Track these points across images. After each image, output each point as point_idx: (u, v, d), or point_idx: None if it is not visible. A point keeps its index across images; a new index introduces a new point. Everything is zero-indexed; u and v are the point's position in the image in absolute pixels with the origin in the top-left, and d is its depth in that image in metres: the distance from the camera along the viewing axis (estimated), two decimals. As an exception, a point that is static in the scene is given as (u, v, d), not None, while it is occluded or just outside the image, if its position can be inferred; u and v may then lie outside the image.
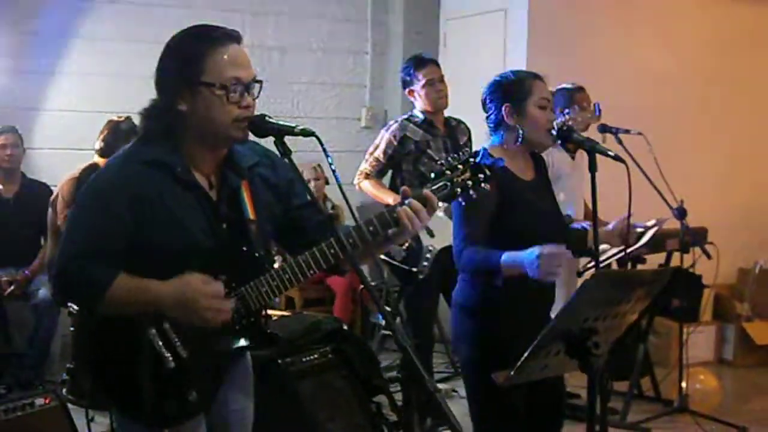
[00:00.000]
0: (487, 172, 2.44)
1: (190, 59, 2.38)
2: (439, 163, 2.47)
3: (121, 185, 2.39)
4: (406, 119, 5.16)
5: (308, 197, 2.61)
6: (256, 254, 2.49)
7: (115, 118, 5.47)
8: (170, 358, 2.40)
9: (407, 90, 5.14)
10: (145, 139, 2.48)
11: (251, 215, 2.51)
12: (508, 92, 3.24)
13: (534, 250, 2.95)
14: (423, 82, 5.07)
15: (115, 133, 5.36)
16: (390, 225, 2.40)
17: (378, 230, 2.40)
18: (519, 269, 3.01)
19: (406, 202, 2.40)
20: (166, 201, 2.39)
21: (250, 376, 2.72)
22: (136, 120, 2.54)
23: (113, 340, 2.43)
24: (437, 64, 5.18)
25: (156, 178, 2.40)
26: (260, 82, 2.45)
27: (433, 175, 2.44)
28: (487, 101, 3.31)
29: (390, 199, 4.85)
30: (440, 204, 2.48)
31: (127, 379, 2.43)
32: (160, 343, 2.39)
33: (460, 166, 2.44)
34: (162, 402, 2.43)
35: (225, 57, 2.38)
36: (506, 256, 3.05)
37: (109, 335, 2.43)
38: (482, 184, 2.44)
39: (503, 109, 3.24)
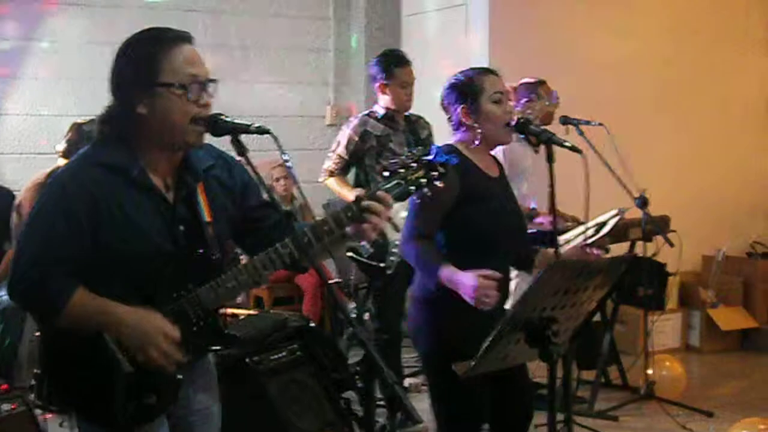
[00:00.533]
0: (441, 170, 2.46)
1: (146, 61, 2.39)
2: (391, 162, 2.48)
3: (77, 189, 2.38)
4: (366, 115, 5.17)
5: (264, 197, 2.62)
6: (213, 256, 2.50)
7: (80, 121, 5.45)
8: (127, 362, 2.40)
9: (378, 84, 5.12)
10: (101, 143, 2.47)
11: (207, 217, 2.51)
12: (462, 93, 3.28)
13: (472, 280, 2.99)
14: (400, 81, 5.07)
15: (79, 134, 5.35)
16: (344, 224, 2.43)
17: (333, 229, 2.42)
18: (455, 288, 3.07)
19: (363, 204, 2.41)
20: (122, 204, 2.39)
21: (213, 375, 2.73)
22: (85, 119, 2.54)
23: (71, 344, 2.43)
24: (411, 66, 5.17)
25: (112, 182, 2.40)
26: (215, 80, 2.46)
27: (387, 173, 2.46)
28: (445, 104, 3.36)
29: (353, 196, 4.85)
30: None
31: (85, 384, 2.43)
32: (118, 347, 2.40)
33: (413, 164, 2.45)
34: (121, 406, 2.43)
35: (180, 57, 2.40)
36: (446, 273, 3.10)
37: (67, 339, 2.43)
38: (436, 182, 2.46)
39: (459, 110, 3.28)
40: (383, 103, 5.14)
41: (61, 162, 5.42)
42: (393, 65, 5.07)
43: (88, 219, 2.36)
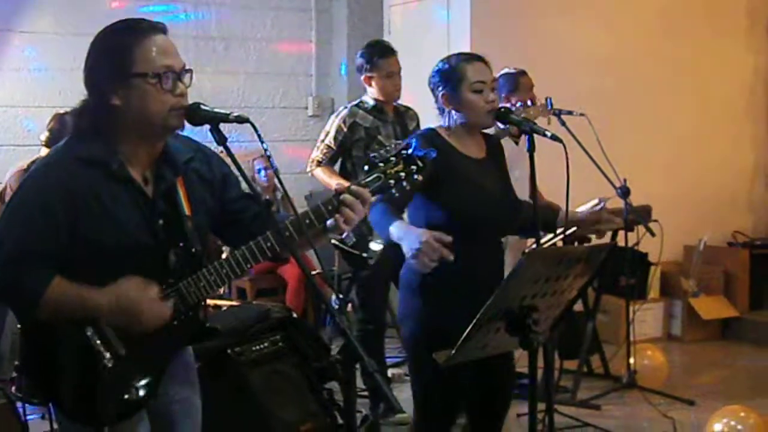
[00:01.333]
0: (420, 164, 2.48)
1: (120, 53, 2.37)
2: (371, 155, 2.49)
3: (53, 183, 2.37)
4: (356, 105, 5.15)
5: (244, 189, 2.62)
6: (193, 249, 2.49)
7: (61, 112, 5.45)
8: (108, 357, 2.40)
9: (364, 76, 5.09)
10: (77, 137, 2.45)
11: (187, 211, 2.50)
12: (444, 80, 3.31)
13: (420, 236, 2.95)
14: (385, 72, 5.05)
15: (61, 124, 5.36)
16: (325, 218, 2.44)
17: (314, 223, 2.43)
18: (400, 244, 3.01)
19: (341, 197, 2.43)
20: (101, 197, 2.38)
21: (192, 368, 2.73)
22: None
23: (50, 339, 2.41)
24: (397, 56, 5.17)
25: (90, 175, 2.38)
26: (190, 71, 2.45)
27: (366, 167, 2.47)
28: (431, 88, 3.38)
29: (338, 186, 4.84)
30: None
31: (65, 378, 2.42)
32: (98, 342, 2.39)
33: (392, 158, 2.48)
34: (101, 400, 2.42)
35: (154, 47, 2.38)
36: (394, 227, 3.04)
37: (46, 334, 2.41)
38: (415, 176, 2.48)
39: (441, 96, 3.32)
40: (372, 94, 5.11)
41: (44, 151, 5.42)
42: (377, 56, 5.05)
43: (65, 213, 2.34)
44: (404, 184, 2.50)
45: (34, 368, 2.52)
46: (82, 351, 2.39)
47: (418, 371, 3.37)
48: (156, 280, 2.43)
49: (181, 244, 2.48)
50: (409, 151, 2.49)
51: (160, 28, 2.43)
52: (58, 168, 2.40)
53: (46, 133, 5.41)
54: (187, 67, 2.43)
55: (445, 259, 2.91)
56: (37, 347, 2.47)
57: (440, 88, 3.31)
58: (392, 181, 2.48)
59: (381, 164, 2.47)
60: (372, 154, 2.52)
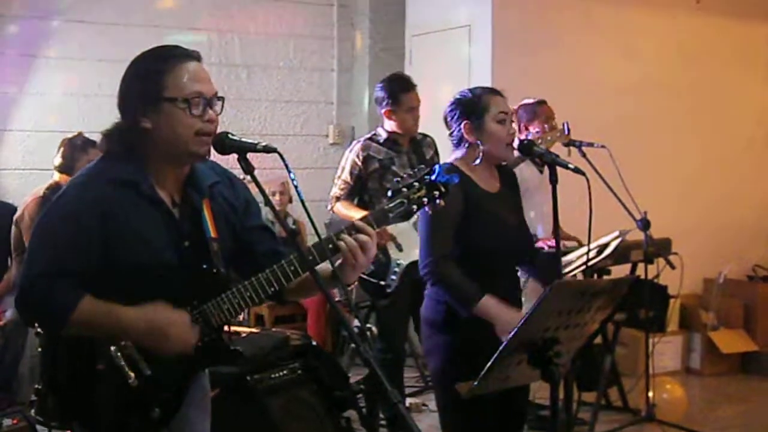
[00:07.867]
0: (442, 189, 2.48)
1: (152, 77, 2.42)
2: (395, 181, 2.51)
3: (87, 202, 2.41)
4: (369, 139, 5.19)
5: (263, 221, 2.66)
6: (217, 272, 2.52)
7: (68, 136, 5.53)
8: (133, 376, 2.42)
9: (384, 110, 5.12)
10: (108, 158, 2.51)
11: (213, 233, 2.54)
12: (467, 110, 3.31)
13: (516, 319, 2.97)
14: (406, 107, 5.07)
15: (72, 148, 5.43)
16: (327, 256, 2.43)
17: (317, 260, 2.43)
18: (490, 319, 3.11)
19: (342, 236, 2.43)
20: (131, 218, 2.42)
21: (208, 392, 2.74)
22: (90, 135, 2.55)
23: (76, 356, 2.45)
24: (416, 89, 5.18)
25: (121, 196, 2.42)
26: (222, 98, 2.49)
27: (390, 193, 2.48)
28: (448, 119, 3.39)
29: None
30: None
31: (89, 397, 2.44)
32: (122, 362, 2.42)
33: (415, 184, 2.48)
34: (125, 419, 2.45)
35: (186, 73, 2.43)
36: (483, 304, 3.13)
37: (72, 351, 2.45)
38: (438, 201, 2.49)
39: (462, 126, 3.31)
40: (388, 127, 5.14)
41: (57, 176, 5.49)
42: (399, 91, 5.07)
43: (97, 233, 2.38)
44: (427, 209, 2.51)
45: (58, 387, 2.53)
46: (107, 369, 2.41)
47: (447, 406, 3.35)
48: (180, 302, 2.45)
49: (205, 266, 2.50)
50: (432, 176, 2.50)
51: (193, 56, 2.48)
52: (89, 188, 2.45)
53: (59, 159, 5.48)
54: (219, 95, 2.47)
55: None
56: (61, 366, 2.50)
57: (462, 119, 3.31)
58: (415, 206, 2.48)
59: (404, 189, 2.48)
60: (396, 179, 2.53)
